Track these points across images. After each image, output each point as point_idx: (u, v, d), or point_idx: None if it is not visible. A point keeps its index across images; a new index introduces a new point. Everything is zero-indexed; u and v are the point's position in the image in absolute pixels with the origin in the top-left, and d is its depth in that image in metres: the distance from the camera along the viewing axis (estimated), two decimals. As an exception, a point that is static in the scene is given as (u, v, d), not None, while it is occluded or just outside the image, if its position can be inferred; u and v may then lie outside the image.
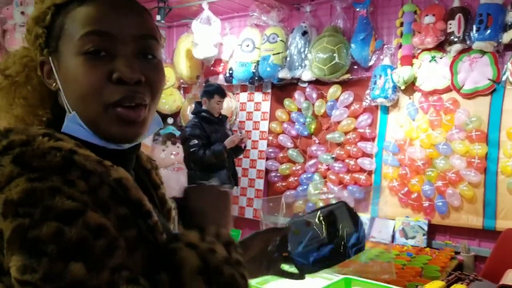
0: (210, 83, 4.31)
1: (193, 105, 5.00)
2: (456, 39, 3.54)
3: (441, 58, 3.69)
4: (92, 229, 0.57)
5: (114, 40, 0.68)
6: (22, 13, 3.62)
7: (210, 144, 3.93)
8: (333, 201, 0.97)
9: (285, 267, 0.91)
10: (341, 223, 0.91)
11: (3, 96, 0.75)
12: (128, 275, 0.57)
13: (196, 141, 3.88)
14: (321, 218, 0.91)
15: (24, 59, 0.76)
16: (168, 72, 5.09)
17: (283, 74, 4.31)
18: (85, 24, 0.68)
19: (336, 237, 0.89)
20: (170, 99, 5.09)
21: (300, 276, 0.89)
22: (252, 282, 2.08)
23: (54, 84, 0.72)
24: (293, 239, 0.89)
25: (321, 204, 0.98)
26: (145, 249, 0.66)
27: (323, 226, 0.90)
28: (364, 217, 3.66)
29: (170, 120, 5.21)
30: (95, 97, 0.68)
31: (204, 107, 4.05)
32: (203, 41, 4.51)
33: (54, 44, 0.71)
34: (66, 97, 0.71)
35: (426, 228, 3.68)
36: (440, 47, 3.70)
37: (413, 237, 3.68)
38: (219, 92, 4.06)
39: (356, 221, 0.92)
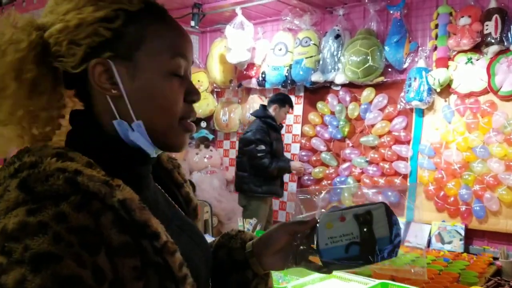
0: (281, 92, 4.31)
1: (233, 107, 5.07)
2: (493, 41, 3.47)
3: (477, 60, 3.63)
4: (59, 281, 0.54)
5: (188, 63, 0.77)
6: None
7: (272, 152, 3.95)
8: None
9: (313, 260, 0.88)
10: (377, 224, 0.87)
11: (13, 104, 0.71)
12: None
13: (263, 147, 3.90)
14: (357, 215, 0.87)
15: (37, 53, 0.71)
16: (201, 76, 5.18)
17: (316, 77, 4.32)
18: (175, 47, 0.74)
19: (368, 238, 0.86)
20: (204, 103, 5.17)
21: (327, 271, 0.87)
22: (289, 286, 2.10)
23: (113, 90, 0.71)
24: (324, 232, 0.85)
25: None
26: (152, 275, 0.64)
27: (357, 224, 0.86)
28: (400, 221, 3.62)
29: (203, 124, 5.29)
30: (173, 112, 0.74)
31: (271, 113, 4.07)
32: (236, 45, 4.57)
33: (125, 52, 0.71)
34: (132, 105, 0.72)
35: (463, 232, 3.62)
36: (477, 48, 3.64)
37: (450, 242, 3.63)
38: (291, 103, 4.15)
39: (392, 226, 0.88)
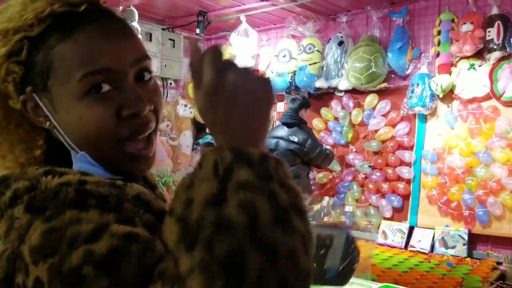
0: (304, 96, 4.32)
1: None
2: (495, 47, 3.50)
3: (480, 66, 3.65)
4: (120, 238, 0.53)
5: (114, 73, 0.64)
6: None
7: None
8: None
9: None
10: (333, 252, 0.84)
11: None
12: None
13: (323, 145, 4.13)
14: (319, 237, 0.84)
15: None
16: (206, 83, 5.22)
17: (320, 83, 4.36)
18: (80, 65, 0.63)
19: (320, 263, 0.84)
20: (209, 109, 5.21)
21: None
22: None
23: (47, 123, 0.67)
24: None
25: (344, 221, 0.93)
26: None
27: (316, 246, 0.83)
28: (403, 225, 3.65)
29: (208, 130, 5.31)
30: (107, 136, 0.65)
31: (301, 117, 4.10)
32: (241, 52, 4.62)
33: (40, 83, 0.65)
34: (68, 137, 0.67)
35: (466, 237, 3.63)
36: (479, 55, 3.67)
37: (453, 247, 3.64)
38: (310, 104, 4.23)
39: (346, 257, 0.85)
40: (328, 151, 4.04)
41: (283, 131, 4.05)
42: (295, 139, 3.95)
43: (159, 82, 4.71)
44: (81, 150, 0.66)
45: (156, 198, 0.67)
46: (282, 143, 4.01)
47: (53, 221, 0.54)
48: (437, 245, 3.72)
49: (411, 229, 3.92)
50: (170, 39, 4.85)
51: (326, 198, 3.74)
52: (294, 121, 4.03)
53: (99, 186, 0.60)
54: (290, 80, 4.57)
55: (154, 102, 0.68)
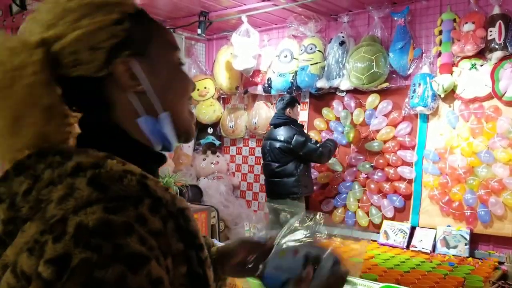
0: (282, 96, 4.34)
1: (239, 114, 5.12)
2: (497, 46, 3.50)
3: (481, 65, 3.65)
4: (152, 282, 0.57)
5: None
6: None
7: None
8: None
9: (257, 277, 0.93)
10: (318, 271, 0.86)
11: (11, 106, 0.68)
12: None
13: (313, 140, 4.14)
14: (307, 256, 0.87)
15: (39, 57, 0.70)
16: (208, 83, 5.24)
17: (321, 83, 4.36)
18: (173, 42, 0.81)
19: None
20: (210, 109, 5.22)
21: None
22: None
23: (138, 87, 0.74)
24: (275, 259, 0.89)
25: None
26: (193, 284, 0.68)
27: (303, 264, 0.86)
28: (405, 225, 3.65)
29: (210, 130, 5.33)
30: (188, 101, 0.83)
31: (289, 116, 4.17)
32: (242, 52, 4.62)
33: (140, 49, 0.75)
34: (155, 95, 0.76)
35: (468, 237, 3.63)
36: (481, 54, 3.66)
37: (455, 247, 3.64)
38: (296, 100, 4.31)
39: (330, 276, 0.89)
40: (321, 148, 4.03)
41: (273, 132, 4.21)
42: (282, 137, 4.09)
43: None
44: (167, 109, 0.77)
45: (195, 219, 0.72)
46: (272, 143, 4.14)
47: (112, 215, 0.58)
48: (438, 245, 3.72)
49: (412, 229, 3.92)
50: (171, 40, 4.85)
51: (319, 214, 3.72)
52: (282, 121, 4.16)
53: (157, 186, 0.65)
54: (292, 80, 4.58)
55: None
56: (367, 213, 4.22)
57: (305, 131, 4.55)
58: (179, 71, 0.81)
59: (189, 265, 0.67)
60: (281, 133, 4.10)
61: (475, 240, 3.70)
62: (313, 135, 4.56)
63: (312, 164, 4.35)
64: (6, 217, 0.63)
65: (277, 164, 4.11)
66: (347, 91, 4.36)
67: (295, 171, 4.05)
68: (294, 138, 4.03)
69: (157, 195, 0.65)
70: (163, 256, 0.61)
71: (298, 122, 4.29)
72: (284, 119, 4.15)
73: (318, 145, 4.05)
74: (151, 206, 0.63)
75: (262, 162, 4.37)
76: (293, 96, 4.38)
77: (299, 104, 4.39)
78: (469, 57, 3.70)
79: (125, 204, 0.60)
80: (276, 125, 4.20)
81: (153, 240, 0.60)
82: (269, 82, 4.77)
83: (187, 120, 0.81)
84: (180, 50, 0.82)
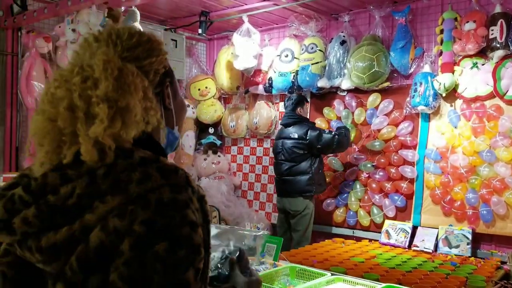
0: (290, 96, 4.33)
1: (240, 114, 5.12)
2: (498, 45, 3.49)
3: (483, 64, 3.64)
4: (201, 240, 0.84)
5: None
6: (73, 30, 3.79)
7: None
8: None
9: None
10: (226, 262, 1.15)
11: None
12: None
13: (327, 130, 4.18)
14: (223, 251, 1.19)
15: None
16: (209, 83, 5.24)
17: (322, 83, 4.36)
18: (173, 74, 1.09)
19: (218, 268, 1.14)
20: (211, 109, 5.22)
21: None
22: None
23: (170, 105, 1.06)
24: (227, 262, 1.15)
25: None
26: (206, 247, 0.90)
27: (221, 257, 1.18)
28: (407, 225, 3.64)
29: (211, 130, 5.33)
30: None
31: (300, 115, 4.19)
32: (243, 52, 4.61)
33: (169, 81, 1.05)
34: (173, 115, 1.07)
35: (470, 237, 3.62)
36: (482, 53, 3.66)
37: (457, 246, 3.63)
38: (306, 98, 4.35)
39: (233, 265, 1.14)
40: (337, 135, 3.99)
41: (285, 131, 4.20)
42: (295, 135, 4.09)
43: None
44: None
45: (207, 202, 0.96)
46: (286, 142, 4.13)
47: (176, 194, 0.83)
48: (440, 244, 3.70)
49: (414, 228, 3.91)
50: (172, 40, 4.85)
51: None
52: (293, 120, 4.17)
53: (192, 179, 0.90)
54: (293, 80, 4.57)
55: None
56: (369, 213, 4.21)
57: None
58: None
59: (205, 233, 0.89)
60: (294, 131, 4.11)
61: (477, 239, 3.69)
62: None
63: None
64: (83, 192, 0.81)
65: (290, 163, 4.10)
66: (348, 91, 4.35)
67: (309, 169, 4.05)
68: (308, 133, 4.04)
69: (192, 185, 0.89)
70: (201, 224, 0.87)
71: (309, 119, 4.32)
72: (296, 118, 4.16)
73: (333, 133, 4.04)
74: (192, 192, 0.87)
75: (274, 161, 4.36)
76: (301, 94, 4.39)
77: (308, 102, 4.41)
78: (470, 56, 3.69)
79: (182, 188, 0.85)
80: (287, 125, 4.19)
81: (197, 213, 0.86)
82: (270, 81, 4.77)
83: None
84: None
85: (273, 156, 4.45)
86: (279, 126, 4.49)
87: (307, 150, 4.05)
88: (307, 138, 4.03)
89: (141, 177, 0.83)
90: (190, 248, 0.81)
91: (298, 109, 4.19)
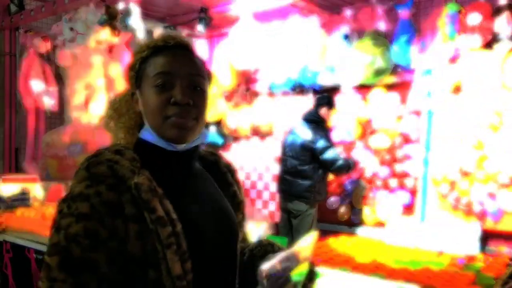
0: (325, 94, 4.20)
1: (241, 111, 5.07)
2: (504, 37, 3.43)
3: (488, 57, 3.58)
4: (85, 230, 0.89)
5: (174, 76, 1.02)
6: (71, 29, 3.76)
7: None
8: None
9: None
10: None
11: (114, 119, 1.12)
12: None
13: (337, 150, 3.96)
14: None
15: (126, 97, 1.12)
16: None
17: (325, 79, 4.29)
18: (157, 68, 1.03)
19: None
20: (212, 107, 5.16)
21: None
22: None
23: (139, 108, 1.08)
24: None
25: None
26: (148, 238, 0.92)
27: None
28: (412, 222, 3.55)
29: (212, 128, 5.29)
30: (159, 113, 1.02)
31: (322, 116, 4.06)
32: (244, 49, 4.56)
33: (139, 82, 1.06)
34: (144, 115, 1.06)
35: (478, 233, 3.55)
36: (487, 46, 3.59)
37: (464, 243, 3.56)
38: (334, 103, 4.15)
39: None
40: (341, 161, 3.87)
41: (300, 128, 4.06)
42: (307, 136, 3.96)
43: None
44: (149, 124, 1.05)
45: (149, 190, 0.95)
46: (296, 139, 4.03)
47: (86, 188, 0.93)
48: (448, 241, 3.63)
49: (420, 225, 3.84)
50: (172, 37, 4.80)
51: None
52: (312, 119, 4.04)
53: (122, 169, 0.95)
54: (295, 77, 4.51)
55: (197, 102, 1.03)
56: (374, 210, 4.15)
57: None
58: (152, 93, 1.04)
59: (143, 224, 0.92)
60: (307, 131, 3.97)
61: (486, 236, 3.63)
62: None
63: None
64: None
65: (296, 161, 4.02)
66: (351, 86, 4.28)
67: (314, 174, 3.95)
68: (319, 141, 3.90)
69: (119, 174, 0.94)
70: (111, 217, 0.92)
71: (327, 125, 4.14)
72: (315, 118, 4.03)
73: (340, 157, 3.91)
74: (111, 184, 0.93)
75: (281, 156, 4.25)
76: (329, 96, 4.18)
77: (334, 108, 4.18)
78: (475, 49, 3.62)
79: (94, 182, 0.94)
80: (306, 121, 4.05)
81: (102, 207, 0.92)
82: (271, 79, 4.71)
83: (161, 130, 1.04)
84: (165, 73, 1.04)
85: (276, 153, 4.39)
86: (281, 125, 4.43)
87: (310, 155, 3.96)
88: (316, 145, 3.92)
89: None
90: (66, 236, 0.90)
91: (323, 110, 4.05)
